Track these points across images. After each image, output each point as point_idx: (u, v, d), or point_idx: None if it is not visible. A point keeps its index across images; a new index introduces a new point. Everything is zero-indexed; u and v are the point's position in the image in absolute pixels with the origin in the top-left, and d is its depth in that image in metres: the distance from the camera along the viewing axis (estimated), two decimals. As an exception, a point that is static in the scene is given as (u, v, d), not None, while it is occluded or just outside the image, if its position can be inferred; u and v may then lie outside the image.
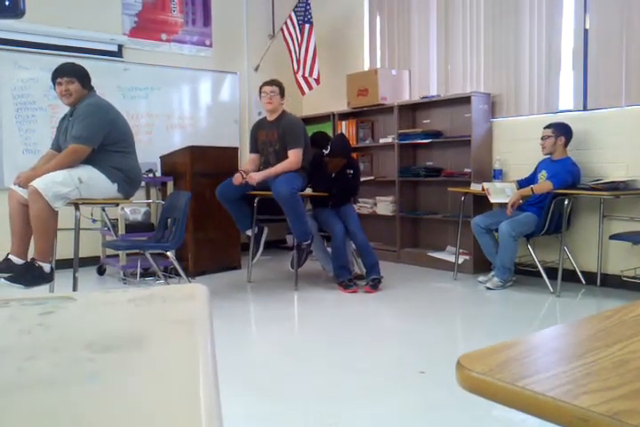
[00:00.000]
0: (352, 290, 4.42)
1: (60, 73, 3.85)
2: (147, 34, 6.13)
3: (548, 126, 4.46)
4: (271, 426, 2.19)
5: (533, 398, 0.55)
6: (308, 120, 6.53)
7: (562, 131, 4.40)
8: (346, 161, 4.77)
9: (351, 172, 4.85)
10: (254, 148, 4.85)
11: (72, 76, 3.83)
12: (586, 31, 4.54)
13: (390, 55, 6.21)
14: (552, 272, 4.38)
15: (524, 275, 4.81)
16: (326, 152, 4.71)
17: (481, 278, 4.71)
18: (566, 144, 4.42)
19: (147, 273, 5.00)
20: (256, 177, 4.44)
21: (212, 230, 5.21)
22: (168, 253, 3.96)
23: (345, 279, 4.48)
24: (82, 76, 3.86)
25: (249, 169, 4.73)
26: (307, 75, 6.31)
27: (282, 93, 4.69)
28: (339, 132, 6.34)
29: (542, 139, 4.47)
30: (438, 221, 5.67)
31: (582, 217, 4.59)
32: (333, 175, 4.77)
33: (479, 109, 5.11)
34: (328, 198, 4.74)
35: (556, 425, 0.54)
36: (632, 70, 4.28)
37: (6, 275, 3.58)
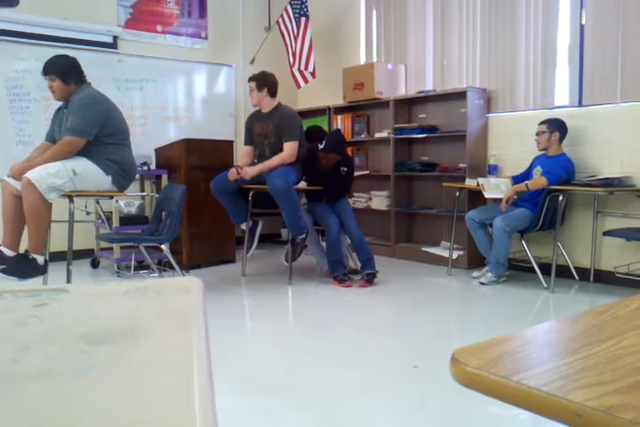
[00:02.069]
0: (347, 284, 4.43)
1: (42, 70, 3.88)
2: (142, 25, 6.10)
3: (542, 122, 4.46)
4: (265, 419, 2.19)
5: (527, 393, 0.55)
6: (304, 114, 6.51)
7: (556, 126, 4.41)
8: (340, 158, 4.76)
9: (345, 169, 4.83)
10: (249, 140, 4.83)
11: (52, 73, 3.84)
12: (582, 27, 4.54)
13: (386, 49, 6.20)
14: (546, 268, 4.40)
15: (517, 270, 4.82)
16: (321, 147, 4.69)
17: (475, 274, 4.73)
18: (561, 140, 4.43)
19: (141, 266, 5.00)
20: (251, 172, 4.43)
21: (206, 224, 5.20)
22: (162, 247, 3.96)
23: (339, 274, 4.49)
24: (62, 73, 3.83)
25: (244, 162, 4.71)
26: (302, 68, 6.29)
27: (259, 87, 4.60)
28: (335, 127, 6.33)
29: (537, 134, 4.47)
30: (433, 216, 5.68)
31: (576, 213, 4.60)
32: (327, 171, 4.75)
33: (475, 104, 5.11)
34: (322, 193, 4.73)
35: (550, 420, 0.54)
36: (627, 67, 4.28)
37: (-1, 267, 3.58)
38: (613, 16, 4.31)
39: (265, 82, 4.62)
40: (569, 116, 4.54)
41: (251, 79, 4.67)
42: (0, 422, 0.40)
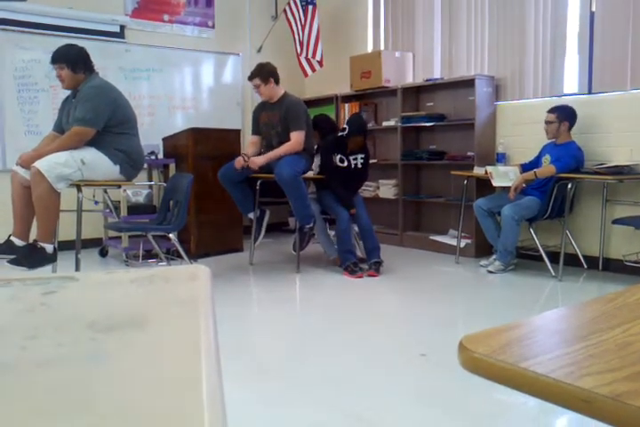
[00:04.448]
0: (357, 276, 4.41)
1: (51, 59, 3.86)
2: (149, 15, 6.08)
3: (551, 110, 4.40)
4: (272, 407, 2.20)
5: (536, 380, 0.55)
6: (311, 102, 6.49)
7: (566, 115, 4.36)
8: (364, 139, 4.75)
9: (363, 157, 4.79)
10: (256, 129, 4.82)
11: (61, 62, 3.82)
12: (592, 14, 4.49)
13: (394, 37, 6.16)
14: (554, 256, 4.39)
15: (525, 259, 4.81)
16: (344, 133, 4.65)
17: (483, 262, 4.72)
18: (570, 128, 4.39)
19: (149, 255, 5.02)
20: (258, 161, 4.42)
21: (214, 213, 5.21)
22: (170, 236, 3.96)
23: (350, 263, 4.46)
24: (71, 62, 3.83)
25: (250, 152, 4.71)
26: (310, 57, 6.27)
27: (265, 79, 4.57)
28: (342, 115, 6.32)
29: (546, 123, 4.42)
30: (441, 204, 5.67)
31: (585, 201, 4.58)
32: (345, 164, 4.71)
33: (483, 92, 5.08)
34: (341, 199, 4.67)
35: (558, 406, 0.54)
36: (638, 54, 4.23)
37: (9, 257, 3.60)
38: (624, 3, 4.26)
39: (267, 73, 4.60)
40: (578, 103, 4.50)
41: (253, 77, 4.61)
42: (9, 408, 0.40)
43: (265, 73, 4.59)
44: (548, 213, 4.37)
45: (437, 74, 5.73)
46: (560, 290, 4.07)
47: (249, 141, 4.92)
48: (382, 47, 6.27)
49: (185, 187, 3.97)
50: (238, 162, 4.43)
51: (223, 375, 0.48)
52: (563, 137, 4.40)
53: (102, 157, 3.81)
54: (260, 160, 4.43)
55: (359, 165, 4.78)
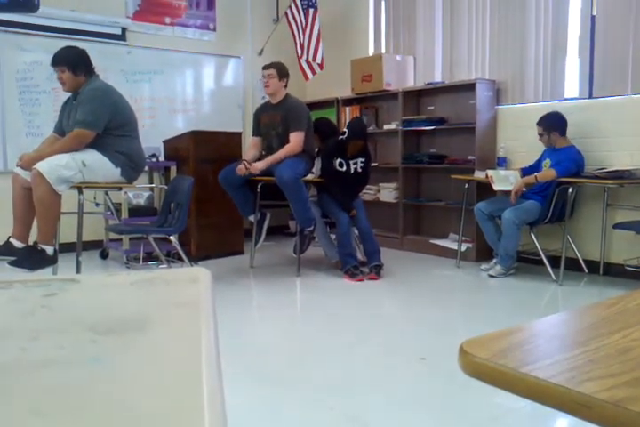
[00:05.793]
0: (358, 279, 4.41)
1: (52, 62, 3.86)
2: (150, 17, 6.09)
3: (538, 123, 4.44)
4: (272, 410, 2.20)
5: (536, 384, 0.55)
6: (312, 106, 6.47)
7: (551, 126, 4.38)
8: (364, 143, 4.74)
9: (363, 160, 4.77)
10: (257, 131, 4.83)
11: (62, 64, 3.82)
12: (593, 18, 4.49)
13: (395, 41, 6.17)
14: (555, 261, 4.38)
15: (526, 263, 4.81)
16: (344, 137, 4.64)
17: (483, 266, 4.71)
18: (563, 134, 4.39)
19: (150, 257, 5.02)
20: (259, 167, 4.42)
21: (214, 215, 5.21)
22: (171, 238, 3.97)
23: (351, 266, 4.46)
24: (72, 64, 3.82)
25: (251, 154, 4.72)
26: (310, 60, 6.27)
27: (281, 75, 4.63)
28: (344, 119, 6.32)
29: (538, 134, 4.46)
30: (441, 208, 5.66)
31: (586, 206, 4.58)
32: (344, 168, 4.70)
33: (484, 96, 5.08)
34: (340, 203, 4.67)
35: (558, 411, 0.54)
36: (638, 58, 4.24)
37: (7, 258, 3.60)
38: (625, 7, 4.27)
39: (285, 72, 4.69)
40: (579, 107, 4.51)
41: (271, 66, 4.65)
42: (9, 409, 0.40)
43: (283, 71, 4.67)
44: (548, 218, 4.36)
45: (438, 77, 5.73)
46: (561, 294, 4.07)
47: (250, 143, 4.93)
48: (383, 50, 6.27)
49: (186, 189, 3.98)
50: (240, 170, 4.41)
51: (224, 378, 0.48)
52: (560, 143, 4.40)
53: (103, 160, 3.81)
54: (261, 165, 4.43)
55: (359, 169, 4.76)
